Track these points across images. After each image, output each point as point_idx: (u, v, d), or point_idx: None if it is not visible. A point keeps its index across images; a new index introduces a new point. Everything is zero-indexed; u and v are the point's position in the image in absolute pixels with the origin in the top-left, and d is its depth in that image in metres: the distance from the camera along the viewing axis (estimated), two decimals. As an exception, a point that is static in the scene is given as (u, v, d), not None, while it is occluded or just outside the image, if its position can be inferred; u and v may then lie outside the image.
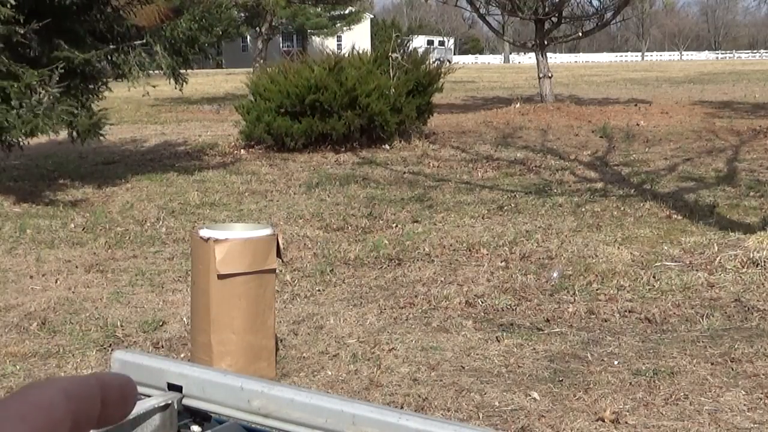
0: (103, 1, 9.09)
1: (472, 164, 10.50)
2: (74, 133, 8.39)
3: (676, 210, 7.55)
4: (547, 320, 4.76)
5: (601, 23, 19.44)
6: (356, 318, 4.81)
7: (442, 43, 61.60)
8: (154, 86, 9.33)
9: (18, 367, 4.14)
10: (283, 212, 7.82)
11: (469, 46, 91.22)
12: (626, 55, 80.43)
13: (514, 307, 4.98)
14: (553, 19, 18.46)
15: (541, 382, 3.90)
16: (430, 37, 63.62)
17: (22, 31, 7.87)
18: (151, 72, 9.48)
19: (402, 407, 3.57)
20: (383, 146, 11.78)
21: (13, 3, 7.62)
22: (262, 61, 19.03)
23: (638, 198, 8.20)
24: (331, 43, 43.14)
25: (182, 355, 4.25)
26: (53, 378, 0.37)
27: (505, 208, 7.82)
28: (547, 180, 9.39)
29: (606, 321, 4.74)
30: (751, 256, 5.69)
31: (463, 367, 4.08)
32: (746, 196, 8.24)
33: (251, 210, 8.01)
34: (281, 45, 49.42)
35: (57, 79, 7.87)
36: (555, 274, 5.53)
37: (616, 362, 4.11)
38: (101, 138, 9.14)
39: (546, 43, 18.17)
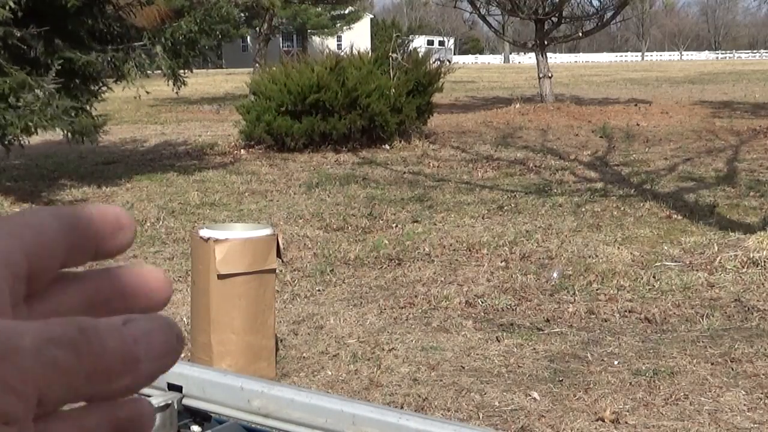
0: (103, 1, 9.09)
1: (472, 164, 10.50)
2: (69, 135, 8.37)
3: (676, 210, 7.55)
4: (547, 320, 4.76)
5: (601, 23, 19.45)
6: (356, 318, 4.81)
7: (442, 43, 61.60)
8: (148, 92, 9.33)
9: (18, 367, 4.14)
10: (283, 212, 7.82)
11: (469, 46, 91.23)
12: (626, 55, 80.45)
13: (514, 307, 4.98)
14: (553, 19, 18.47)
15: (541, 382, 3.90)
16: (430, 37, 63.62)
17: (18, 34, 7.87)
18: (150, 73, 9.48)
19: (402, 407, 3.57)
20: (383, 146, 11.78)
21: (12, 6, 7.61)
22: (262, 61, 19.03)
23: (638, 198, 8.20)
24: (331, 43, 43.17)
25: (182, 355, 4.25)
26: (43, 207, 0.34)
27: (505, 208, 7.82)
28: (547, 180, 9.39)
29: (606, 321, 4.74)
30: (751, 256, 5.69)
31: (463, 367, 4.09)
32: (746, 196, 8.24)
33: (251, 210, 8.01)
34: (281, 45, 49.41)
35: (53, 75, 7.87)
36: (555, 274, 5.53)
37: (616, 362, 4.11)
38: (99, 138, 9.14)
39: (546, 43, 18.17)
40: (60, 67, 7.99)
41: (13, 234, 0.30)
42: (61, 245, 0.31)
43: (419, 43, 33.80)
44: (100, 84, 9.23)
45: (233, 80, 27.44)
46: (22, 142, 8.75)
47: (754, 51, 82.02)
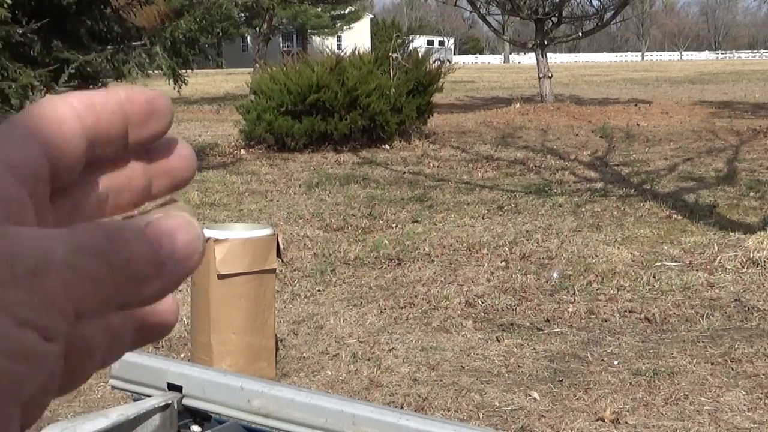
0: (102, 1, 9.09)
1: (472, 164, 10.50)
2: None
3: (676, 210, 7.55)
4: (547, 320, 4.76)
5: (601, 23, 19.47)
6: (356, 318, 4.81)
7: (442, 43, 61.62)
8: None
9: (18, 367, 4.13)
10: (283, 212, 7.82)
11: (469, 46, 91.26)
12: (626, 55, 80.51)
13: (514, 307, 4.98)
14: (553, 19, 18.48)
15: (541, 382, 3.90)
16: (431, 37, 63.66)
17: (20, 31, 7.87)
18: (150, 72, 9.48)
19: (402, 407, 3.57)
20: (383, 146, 11.78)
21: (9, 2, 7.61)
22: (262, 61, 19.04)
23: (638, 198, 8.20)
24: (331, 43, 43.18)
25: (182, 355, 4.25)
26: (68, 93, 0.30)
27: (505, 208, 7.83)
28: (547, 180, 9.39)
29: (606, 321, 4.74)
30: (751, 256, 5.69)
31: (463, 367, 4.09)
32: (746, 196, 8.24)
33: (251, 210, 8.01)
34: (281, 45, 49.42)
35: (65, 78, 7.86)
36: (555, 274, 5.53)
37: (616, 362, 4.11)
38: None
39: (546, 43, 18.18)
40: (58, 65, 7.99)
41: (31, 131, 0.28)
42: (83, 137, 0.29)
43: (419, 43, 33.82)
44: (100, 84, 9.23)
45: (233, 80, 27.45)
46: None
47: (754, 51, 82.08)
